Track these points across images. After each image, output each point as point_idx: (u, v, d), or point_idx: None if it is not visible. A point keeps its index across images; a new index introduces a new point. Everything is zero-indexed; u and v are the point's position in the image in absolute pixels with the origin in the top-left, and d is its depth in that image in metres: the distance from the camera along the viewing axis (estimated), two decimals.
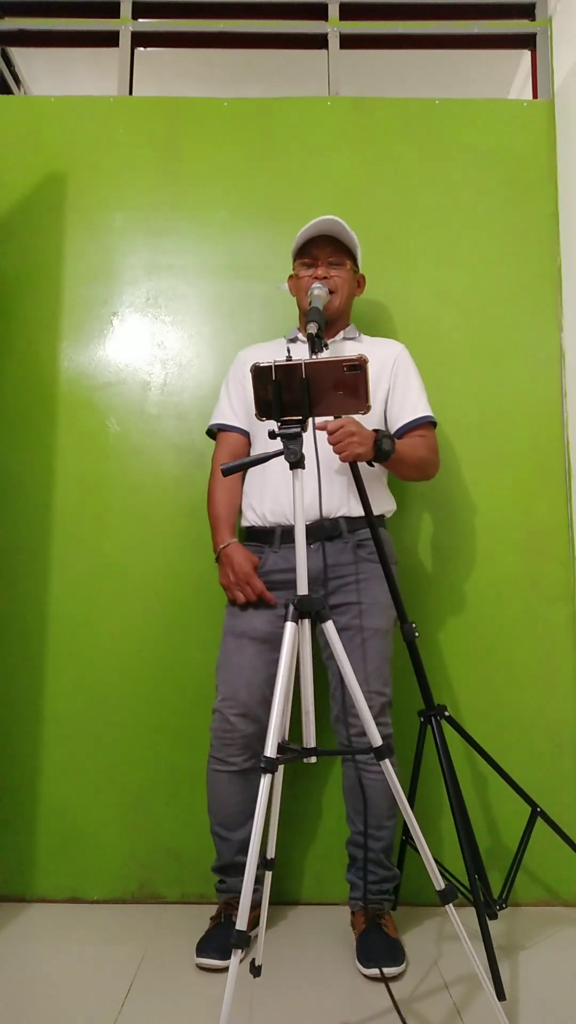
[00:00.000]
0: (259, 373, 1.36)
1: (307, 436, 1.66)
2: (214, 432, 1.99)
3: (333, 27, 2.44)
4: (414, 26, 2.46)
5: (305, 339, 1.91)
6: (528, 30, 2.47)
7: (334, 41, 2.44)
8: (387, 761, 1.37)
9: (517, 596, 2.15)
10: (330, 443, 1.64)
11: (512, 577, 2.16)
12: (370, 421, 1.81)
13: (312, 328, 1.66)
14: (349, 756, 1.78)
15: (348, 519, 1.81)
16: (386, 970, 1.61)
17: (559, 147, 2.30)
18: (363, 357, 1.36)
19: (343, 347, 1.93)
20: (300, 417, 1.37)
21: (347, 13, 2.46)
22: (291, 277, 1.99)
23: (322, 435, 1.68)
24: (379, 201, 2.28)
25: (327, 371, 1.36)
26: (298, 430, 1.37)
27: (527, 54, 2.57)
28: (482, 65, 2.82)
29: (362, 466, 1.72)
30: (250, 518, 1.88)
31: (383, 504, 1.90)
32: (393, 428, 1.90)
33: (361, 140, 2.33)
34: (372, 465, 1.77)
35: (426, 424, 1.90)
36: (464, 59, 2.75)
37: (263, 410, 1.39)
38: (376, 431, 1.71)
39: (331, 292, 1.86)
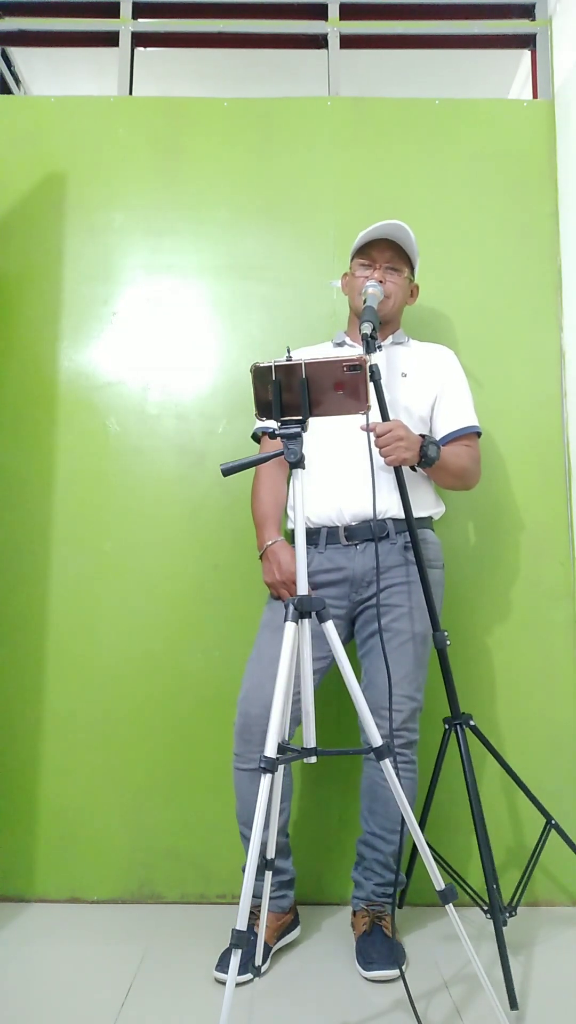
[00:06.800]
0: (259, 373, 1.36)
1: (362, 437, 1.68)
2: (258, 436, 1.97)
3: (333, 27, 2.44)
4: (414, 26, 2.46)
5: (351, 343, 1.94)
6: (528, 30, 2.47)
7: (334, 41, 2.43)
8: (387, 761, 1.37)
9: (517, 596, 2.15)
10: (377, 446, 1.63)
11: (512, 577, 2.16)
12: (415, 426, 1.81)
13: (367, 328, 1.65)
14: (371, 757, 1.76)
15: (395, 520, 1.79)
16: (386, 973, 1.60)
17: (559, 147, 2.30)
18: (363, 357, 1.36)
19: (392, 351, 1.92)
20: (300, 417, 1.37)
21: (347, 13, 2.46)
22: (345, 275, 1.97)
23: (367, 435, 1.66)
24: (379, 201, 2.28)
25: (327, 371, 1.35)
26: (298, 430, 1.37)
27: (527, 54, 2.57)
28: (482, 65, 2.81)
29: (404, 469, 1.73)
30: None
31: (431, 506, 1.89)
32: (438, 435, 1.88)
33: (361, 140, 2.33)
34: (415, 470, 1.78)
35: (471, 434, 1.89)
36: (464, 59, 2.74)
37: (263, 410, 1.39)
38: (423, 436, 1.71)
39: (385, 296, 1.84)
